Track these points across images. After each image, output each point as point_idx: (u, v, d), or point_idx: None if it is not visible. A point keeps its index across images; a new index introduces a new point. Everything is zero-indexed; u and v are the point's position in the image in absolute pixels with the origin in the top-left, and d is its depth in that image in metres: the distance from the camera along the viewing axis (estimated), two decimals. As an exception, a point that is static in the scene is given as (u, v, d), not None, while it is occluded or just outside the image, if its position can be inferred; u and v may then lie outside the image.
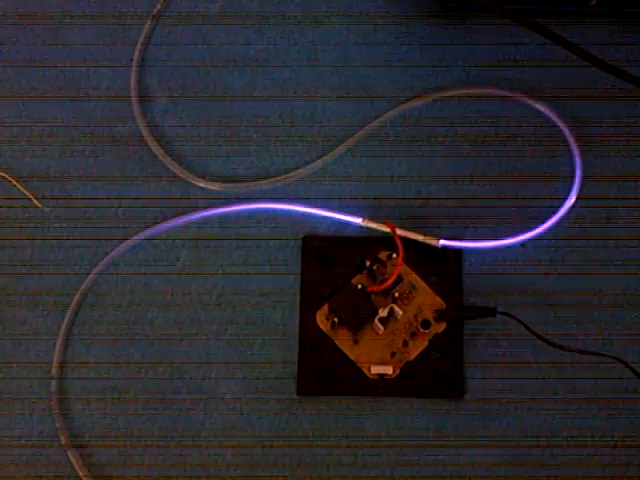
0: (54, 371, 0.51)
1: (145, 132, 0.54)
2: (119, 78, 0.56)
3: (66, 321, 0.51)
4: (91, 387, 0.51)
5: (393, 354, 0.50)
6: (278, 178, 0.54)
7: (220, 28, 0.57)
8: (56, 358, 0.51)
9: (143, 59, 0.56)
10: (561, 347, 0.49)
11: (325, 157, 0.54)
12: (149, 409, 0.50)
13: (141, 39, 0.56)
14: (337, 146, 0.54)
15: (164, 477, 0.49)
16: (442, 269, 0.52)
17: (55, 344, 0.51)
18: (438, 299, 0.51)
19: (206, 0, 0.57)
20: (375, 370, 0.50)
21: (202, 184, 0.54)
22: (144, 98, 0.55)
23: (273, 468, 0.49)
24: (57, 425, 0.50)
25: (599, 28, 0.55)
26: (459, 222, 0.53)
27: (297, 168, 0.54)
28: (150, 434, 0.50)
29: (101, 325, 0.52)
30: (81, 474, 0.49)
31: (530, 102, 0.54)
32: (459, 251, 0.52)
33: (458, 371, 0.50)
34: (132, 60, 0.56)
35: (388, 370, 0.50)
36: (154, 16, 0.56)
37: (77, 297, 0.52)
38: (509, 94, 0.54)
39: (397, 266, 0.50)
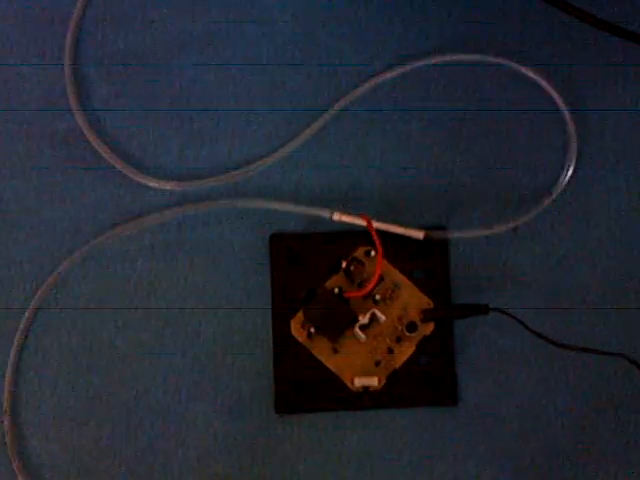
0: (6, 406, 0.46)
1: (85, 128, 0.48)
2: (51, 68, 0.49)
3: (14, 349, 0.46)
4: (48, 420, 0.46)
5: (377, 363, 0.46)
6: (238, 172, 0.48)
7: (161, 2, 0.50)
8: (6, 391, 0.46)
9: (76, 44, 0.49)
10: (562, 346, 0.44)
11: (289, 144, 0.48)
12: (114, 440, 0.46)
13: (72, 21, 0.49)
14: (302, 131, 0.48)
15: (135, 515, 0.46)
16: (427, 263, 0.47)
17: (4, 375, 0.46)
18: (424, 297, 0.46)
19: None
20: (359, 382, 0.46)
21: (154, 184, 0.48)
22: (81, 89, 0.49)
23: (254, 496, 0.46)
24: (14, 465, 0.46)
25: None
26: (443, 209, 0.48)
27: (259, 159, 0.48)
28: (117, 467, 0.46)
29: (54, 350, 0.47)
30: (43, 517, 0.45)
31: (517, 68, 0.48)
32: (445, 242, 0.47)
33: (450, 376, 0.46)
34: (64, 46, 0.49)
35: (373, 381, 0.46)
36: (84, -6, 0.50)
37: (24, 320, 0.47)
38: (493, 60, 0.48)
39: (377, 267, 0.45)
